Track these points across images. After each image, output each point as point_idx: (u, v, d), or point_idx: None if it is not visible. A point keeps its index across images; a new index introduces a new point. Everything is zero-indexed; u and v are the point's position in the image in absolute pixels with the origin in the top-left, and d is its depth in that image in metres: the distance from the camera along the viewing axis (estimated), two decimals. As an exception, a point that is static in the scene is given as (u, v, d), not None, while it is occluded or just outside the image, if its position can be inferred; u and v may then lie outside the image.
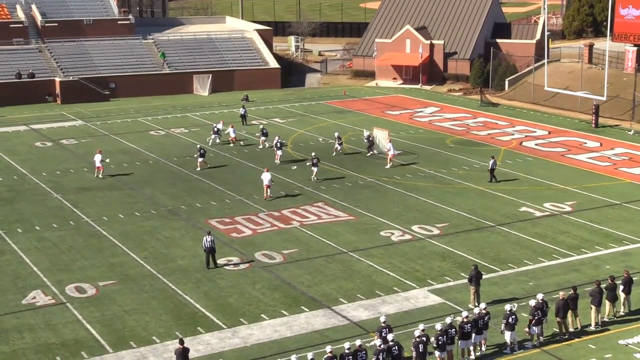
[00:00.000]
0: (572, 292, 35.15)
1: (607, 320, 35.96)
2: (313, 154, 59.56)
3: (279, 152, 62.67)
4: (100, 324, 36.09)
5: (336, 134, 65.26)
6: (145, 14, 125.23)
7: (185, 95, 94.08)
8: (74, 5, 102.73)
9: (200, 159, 61.26)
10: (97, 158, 59.33)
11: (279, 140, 63.77)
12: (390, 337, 31.25)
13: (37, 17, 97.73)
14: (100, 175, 58.78)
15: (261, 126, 69.84)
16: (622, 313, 36.70)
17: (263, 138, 67.50)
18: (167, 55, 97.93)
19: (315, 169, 57.84)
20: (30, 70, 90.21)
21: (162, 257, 43.96)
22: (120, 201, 53.79)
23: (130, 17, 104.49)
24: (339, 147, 64.15)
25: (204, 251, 42.35)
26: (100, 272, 41.90)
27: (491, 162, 57.76)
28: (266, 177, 53.85)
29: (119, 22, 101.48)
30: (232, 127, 69.16)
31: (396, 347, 30.82)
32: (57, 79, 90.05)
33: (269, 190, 53.91)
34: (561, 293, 34.96)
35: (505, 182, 57.51)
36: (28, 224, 49.23)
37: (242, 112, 77.36)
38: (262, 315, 36.92)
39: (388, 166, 61.36)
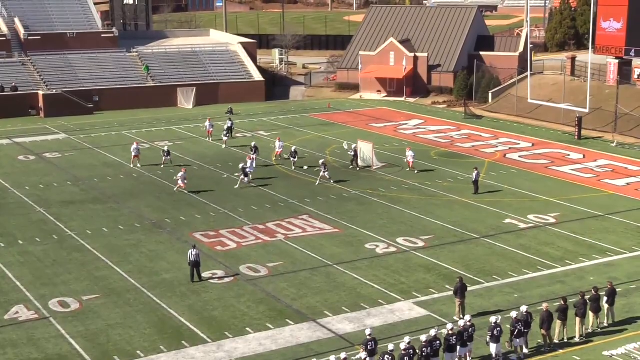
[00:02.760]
0: (562, 302, 35.26)
1: (591, 331, 36.00)
2: (253, 143, 64.81)
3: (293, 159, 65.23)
4: (84, 339, 35.84)
5: (321, 162, 61.93)
6: (129, 27, 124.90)
7: (170, 108, 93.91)
8: (57, 18, 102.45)
9: (165, 158, 65.67)
10: (181, 175, 58.84)
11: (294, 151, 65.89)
12: (390, 346, 31.44)
13: (20, 30, 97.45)
14: (185, 191, 58.33)
15: (253, 143, 67.87)
16: (605, 324, 36.74)
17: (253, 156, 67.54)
18: (151, 68, 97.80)
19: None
20: (13, 84, 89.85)
21: (147, 270, 43.74)
22: (104, 215, 53.56)
23: (113, 30, 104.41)
24: (327, 175, 60.95)
25: (189, 265, 42.15)
26: (84, 286, 41.64)
27: (475, 173, 57.93)
28: (180, 175, 58.64)
29: (103, 35, 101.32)
30: (136, 143, 68.21)
31: (391, 357, 30.83)
32: (41, 92, 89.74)
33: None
34: (545, 305, 35.00)
35: (489, 194, 57.65)
36: (11, 238, 48.91)
37: (229, 125, 77.32)
38: (247, 328, 36.76)
39: (416, 172, 62.79)
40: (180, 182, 58.40)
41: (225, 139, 73.35)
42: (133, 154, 66.36)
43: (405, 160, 63.84)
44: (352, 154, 65.26)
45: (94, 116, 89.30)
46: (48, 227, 51.13)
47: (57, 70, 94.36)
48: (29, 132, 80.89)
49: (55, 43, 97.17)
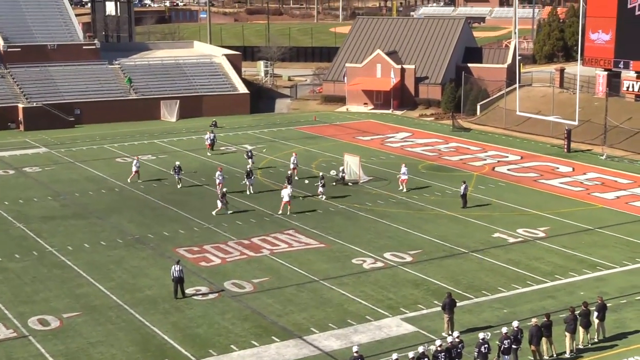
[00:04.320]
0: (545, 319, 34.89)
1: (581, 347, 35.67)
2: (248, 166, 61.75)
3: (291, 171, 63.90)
4: (64, 358, 35.20)
5: (320, 174, 61.45)
6: (111, 39, 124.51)
7: (153, 121, 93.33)
8: (38, 29, 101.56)
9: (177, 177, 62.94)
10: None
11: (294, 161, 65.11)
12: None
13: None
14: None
15: (248, 166, 64.16)
16: (596, 340, 36.41)
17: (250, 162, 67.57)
18: (134, 80, 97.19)
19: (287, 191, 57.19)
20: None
21: (129, 287, 43.11)
22: (86, 230, 52.91)
23: (95, 41, 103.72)
24: (322, 190, 60.16)
25: (172, 281, 41.52)
26: (65, 303, 40.98)
27: (463, 187, 57.44)
28: (285, 192, 55.87)
29: (84, 47, 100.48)
30: (136, 158, 67.19)
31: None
32: (20, 105, 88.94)
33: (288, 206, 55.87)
34: (534, 320, 34.69)
35: (478, 207, 57.31)
36: (-10, 254, 48.23)
37: (212, 137, 76.80)
38: (232, 346, 36.24)
39: (404, 189, 61.64)
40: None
41: (251, 162, 68.32)
42: (134, 169, 64.96)
43: (398, 176, 62.45)
44: (342, 175, 63.92)
45: (75, 129, 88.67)
46: (28, 243, 50.45)
47: (37, 83, 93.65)
48: (8, 146, 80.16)
49: (36, 55, 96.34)
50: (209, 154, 74.53)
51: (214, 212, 55.87)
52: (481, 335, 32.99)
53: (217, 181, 60.23)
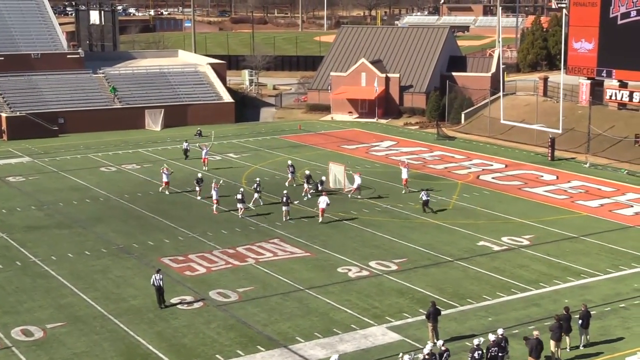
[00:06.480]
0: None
1: (568, 350, 35.71)
2: (285, 191, 57.89)
3: (307, 186, 62.23)
4: (47, 369, 34.83)
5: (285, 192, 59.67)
6: (96, 48, 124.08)
7: (137, 131, 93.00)
8: (22, 38, 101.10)
9: (198, 188, 62.04)
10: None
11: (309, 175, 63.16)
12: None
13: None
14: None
15: (241, 189, 60.20)
16: (572, 346, 36.33)
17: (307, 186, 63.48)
18: (118, 89, 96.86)
19: (285, 209, 56.41)
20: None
21: (114, 297, 42.80)
22: (70, 240, 52.54)
23: (79, 50, 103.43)
24: (310, 187, 61.42)
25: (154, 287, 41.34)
26: (49, 313, 40.65)
27: (422, 193, 57.93)
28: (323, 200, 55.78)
29: (68, 56, 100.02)
30: (166, 169, 65.67)
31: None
32: (4, 115, 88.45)
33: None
34: (535, 333, 34.29)
35: (462, 216, 57.33)
36: (-28, 265, 47.84)
37: (185, 147, 76.49)
38: (217, 355, 36.02)
39: (404, 191, 63.16)
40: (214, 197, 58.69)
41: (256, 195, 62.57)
42: (165, 179, 64.05)
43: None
44: (313, 182, 63.23)
45: (59, 139, 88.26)
46: (11, 253, 50.04)
47: (21, 92, 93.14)
48: (-9, 155, 79.75)
49: (20, 64, 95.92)
50: (205, 168, 71.43)
51: (251, 205, 57.84)
52: (476, 341, 33.03)
53: (214, 196, 58.72)
